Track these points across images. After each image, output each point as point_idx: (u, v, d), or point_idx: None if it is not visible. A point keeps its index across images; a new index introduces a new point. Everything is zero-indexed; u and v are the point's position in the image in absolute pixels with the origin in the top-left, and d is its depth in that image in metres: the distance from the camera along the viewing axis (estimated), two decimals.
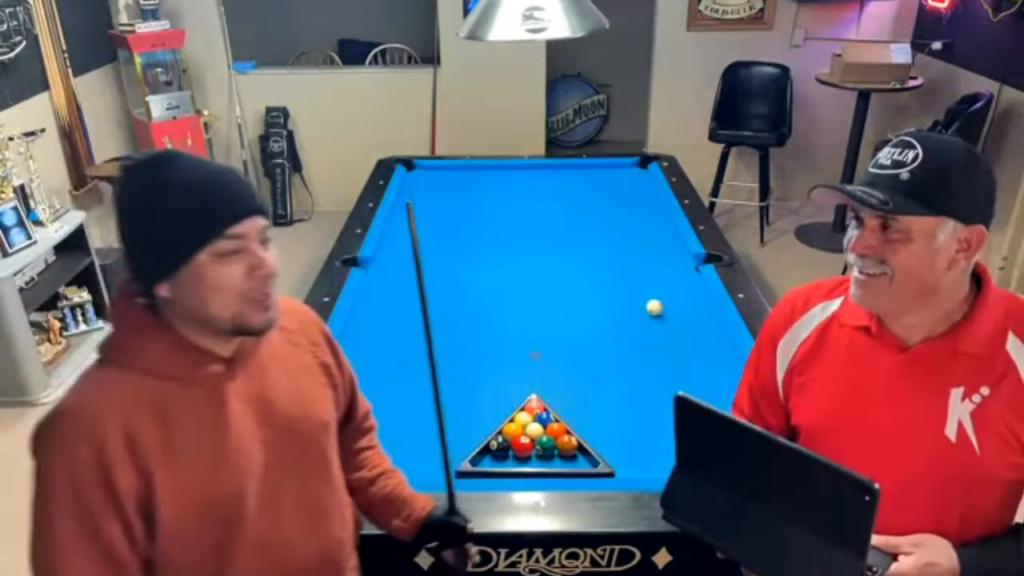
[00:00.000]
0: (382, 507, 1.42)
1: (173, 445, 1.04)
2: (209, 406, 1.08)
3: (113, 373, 1.06)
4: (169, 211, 1.00)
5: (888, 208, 1.07)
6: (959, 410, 1.13)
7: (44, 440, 1.03)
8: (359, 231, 3.33)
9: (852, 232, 1.15)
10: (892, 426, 1.17)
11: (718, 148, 4.95)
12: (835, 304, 1.28)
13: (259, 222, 1.05)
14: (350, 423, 1.41)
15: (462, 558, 1.43)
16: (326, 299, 2.73)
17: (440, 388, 1.39)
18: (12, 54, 3.84)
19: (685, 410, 1.22)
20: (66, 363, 3.67)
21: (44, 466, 1.02)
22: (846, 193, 1.11)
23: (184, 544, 1.08)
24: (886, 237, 1.10)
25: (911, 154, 1.09)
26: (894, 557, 1.10)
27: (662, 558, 1.70)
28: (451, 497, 1.42)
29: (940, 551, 1.10)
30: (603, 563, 1.66)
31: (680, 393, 1.21)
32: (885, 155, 1.12)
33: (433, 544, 1.50)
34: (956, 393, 1.14)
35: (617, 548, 1.64)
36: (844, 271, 4.42)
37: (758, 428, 1.18)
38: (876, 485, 1.00)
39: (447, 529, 1.40)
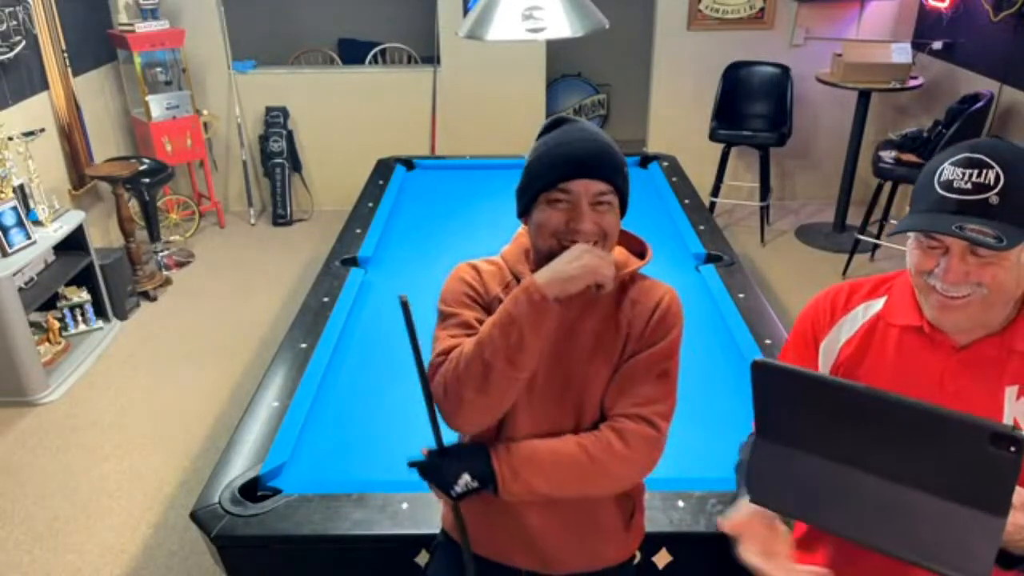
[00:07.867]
0: None
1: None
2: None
3: (496, 260, 1.42)
4: (530, 163, 1.34)
5: (1003, 246, 1.03)
6: (1015, 408, 1.12)
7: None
8: (359, 231, 3.33)
9: (922, 253, 1.10)
10: None
11: (718, 148, 4.95)
12: (878, 304, 1.25)
13: (593, 185, 1.27)
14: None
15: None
16: (326, 299, 2.73)
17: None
18: (12, 54, 3.85)
19: (766, 376, 1.09)
20: (65, 363, 3.66)
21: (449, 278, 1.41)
22: (962, 237, 1.04)
23: None
24: (977, 260, 1.07)
25: (990, 175, 1.05)
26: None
27: (662, 558, 1.69)
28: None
29: None
30: None
31: (758, 358, 1.10)
32: (958, 177, 1.07)
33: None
34: (1011, 391, 1.13)
35: None
36: (844, 271, 4.45)
37: (863, 385, 1.06)
38: (1022, 433, 0.90)
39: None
